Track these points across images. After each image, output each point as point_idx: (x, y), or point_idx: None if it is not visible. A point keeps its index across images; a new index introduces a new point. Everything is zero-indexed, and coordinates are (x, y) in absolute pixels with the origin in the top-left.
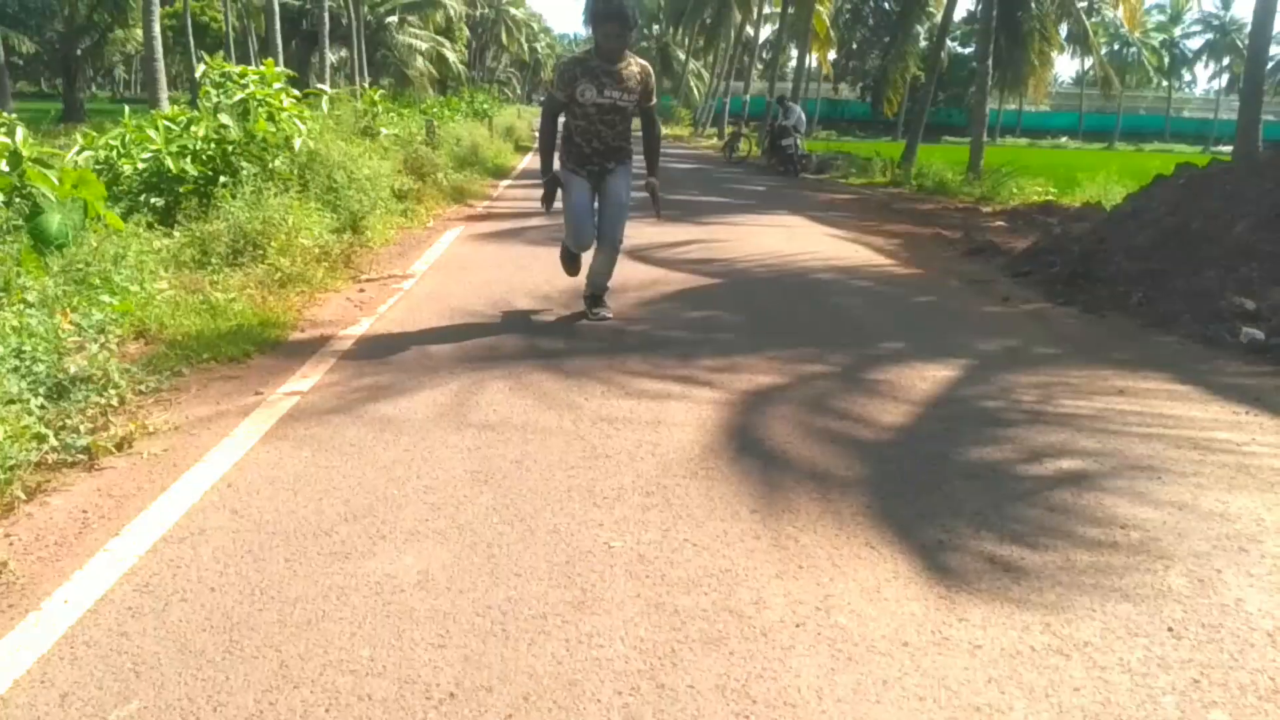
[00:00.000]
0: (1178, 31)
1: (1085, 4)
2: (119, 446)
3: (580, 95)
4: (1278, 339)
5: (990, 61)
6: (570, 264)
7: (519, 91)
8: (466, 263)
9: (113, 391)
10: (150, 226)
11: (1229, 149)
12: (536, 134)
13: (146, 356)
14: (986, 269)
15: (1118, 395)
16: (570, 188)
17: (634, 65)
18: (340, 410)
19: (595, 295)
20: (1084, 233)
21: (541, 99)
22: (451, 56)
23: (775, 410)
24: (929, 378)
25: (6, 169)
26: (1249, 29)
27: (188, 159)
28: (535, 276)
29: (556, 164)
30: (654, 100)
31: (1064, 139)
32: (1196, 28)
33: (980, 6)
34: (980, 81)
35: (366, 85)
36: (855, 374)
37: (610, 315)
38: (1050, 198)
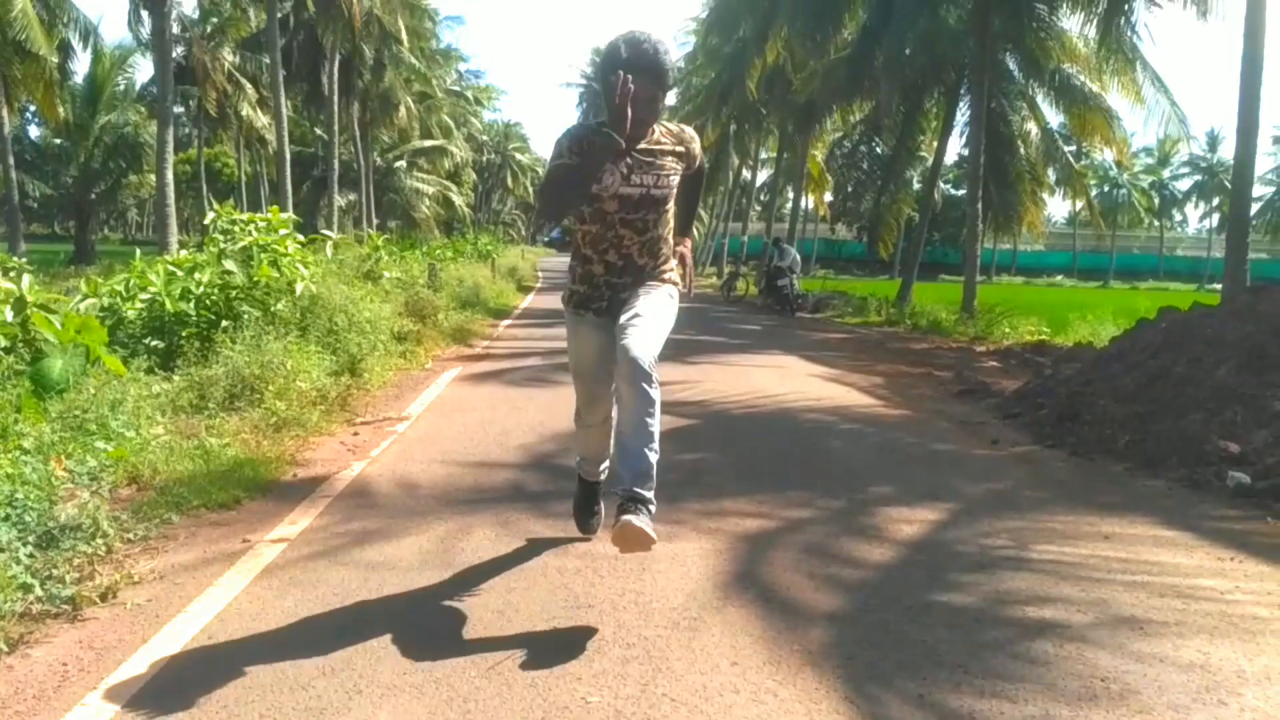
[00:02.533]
0: (1166, 173)
1: (1073, 148)
2: (103, 597)
3: (600, 179)
4: (1264, 482)
5: (980, 205)
6: (584, 511)
7: (523, 232)
8: (462, 404)
9: (100, 541)
10: (151, 371)
11: (1222, 287)
12: (541, 205)
13: (137, 503)
14: (976, 410)
15: (1103, 541)
16: (573, 338)
17: (666, 137)
18: (326, 556)
19: (627, 492)
20: (1073, 374)
21: (546, 239)
22: (457, 200)
23: (762, 556)
24: (915, 522)
25: (11, 315)
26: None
27: (190, 302)
28: (529, 417)
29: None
30: (701, 163)
31: (1059, 277)
32: (1185, 169)
33: (968, 152)
34: (970, 224)
35: (374, 227)
36: (842, 519)
37: (654, 536)
38: (1043, 337)
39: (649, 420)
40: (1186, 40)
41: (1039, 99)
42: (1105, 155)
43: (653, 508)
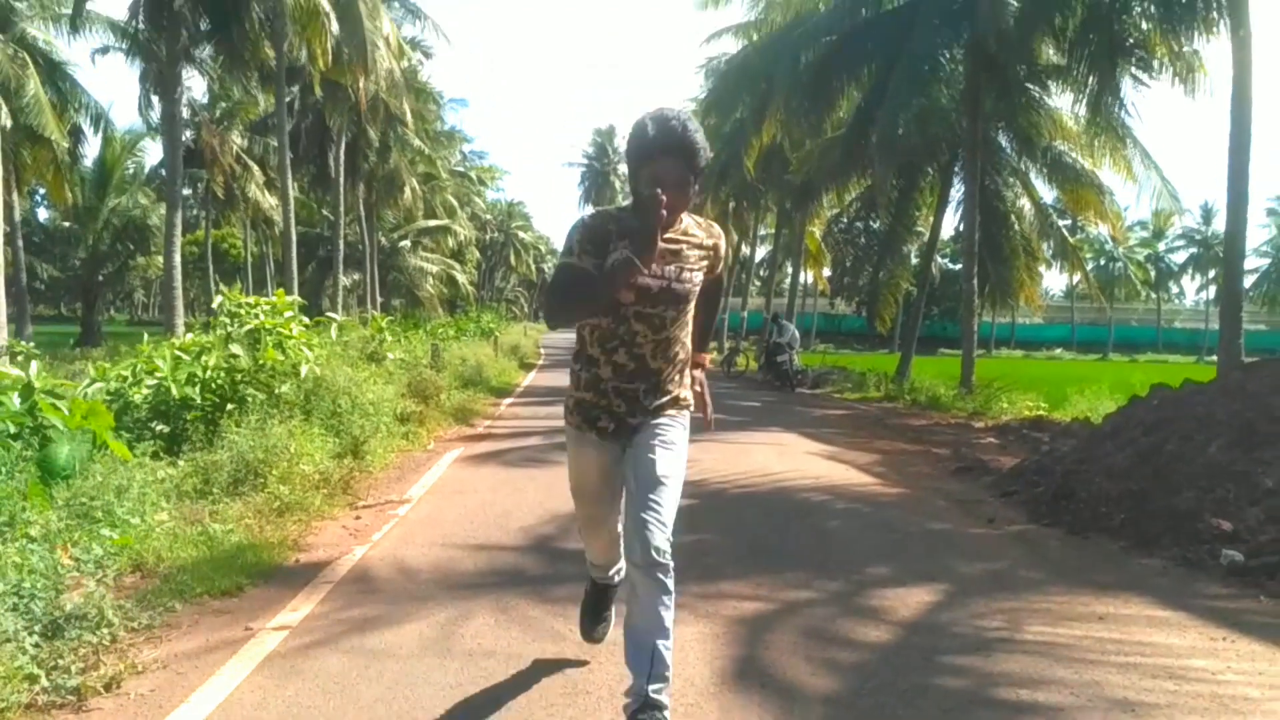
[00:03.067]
0: (1162, 246)
1: (1068, 222)
2: (107, 686)
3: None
4: (1257, 560)
5: (975, 281)
6: (592, 616)
7: (526, 310)
8: (463, 486)
9: (105, 630)
10: (156, 455)
11: (1217, 361)
12: (548, 308)
13: (141, 591)
14: (973, 488)
15: (1097, 621)
16: (574, 457)
17: (696, 229)
18: (327, 643)
19: (642, 697)
20: (1069, 451)
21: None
22: (461, 278)
23: (759, 640)
24: (911, 603)
25: (19, 402)
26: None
27: (195, 386)
28: (529, 498)
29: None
30: (723, 269)
31: (1058, 350)
32: (1180, 242)
33: (963, 229)
34: (966, 300)
35: (379, 306)
36: (840, 600)
37: None
38: (1041, 413)
39: (664, 612)
40: (1180, 114)
41: (1032, 175)
42: (1101, 229)
43: (668, 714)
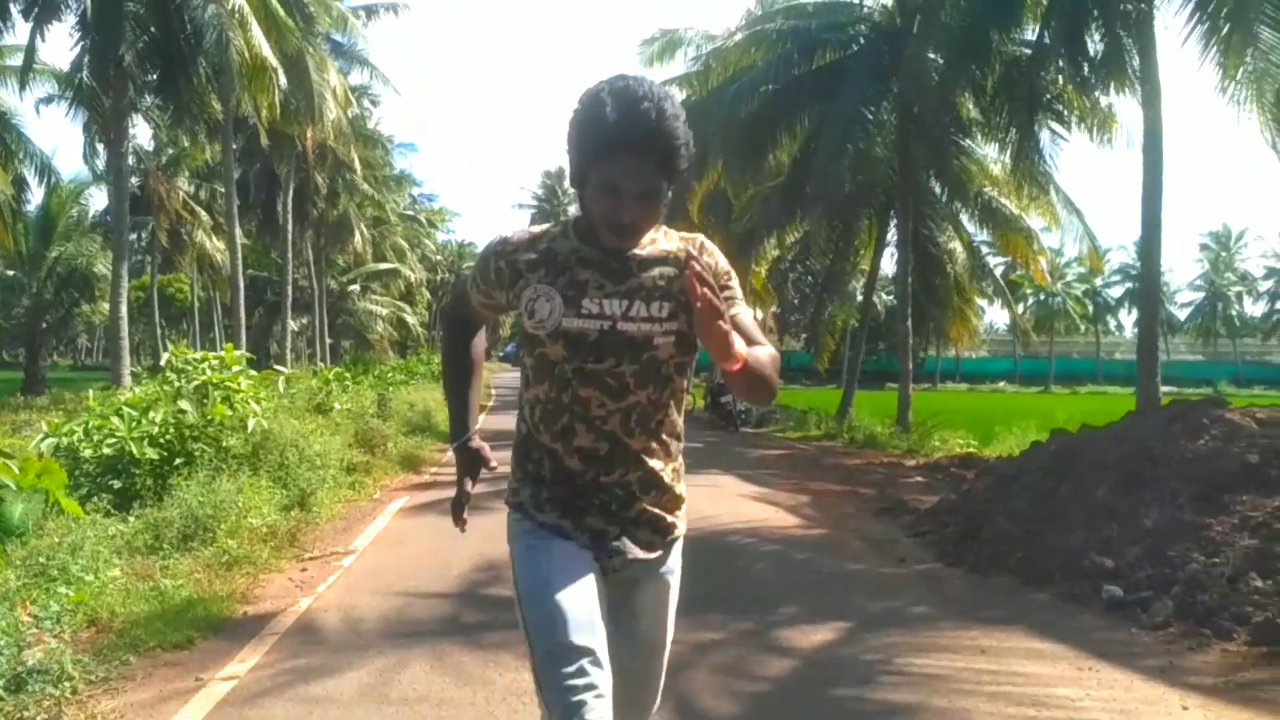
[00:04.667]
0: (1099, 282)
1: (1007, 259)
2: None
3: (532, 311)
4: (1133, 595)
5: (909, 323)
6: None
7: None
8: (406, 535)
9: (66, 684)
10: (108, 513)
11: (1163, 389)
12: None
13: (98, 645)
14: (891, 529)
15: (979, 654)
16: (525, 563)
17: (668, 244)
18: (272, 692)
19: None
20: (979, 492)
21: (501, 354)
22: (411, 320)
23: (672, 677)
24: (815, 640)
25: None
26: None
27: (146, 442)
28: (470, 547)
29: (475, 425)
30: (739, 302)
31: (1002, 384)
32: (1116, 278)
33: (896, 271)
34: (901, 340)
35: (328, 349)
36: (750, 639)
37: None
38: (971, 450)
39: None
40: (1111, 155)
41: (964, 219)
42: (1045, 262)
43: None
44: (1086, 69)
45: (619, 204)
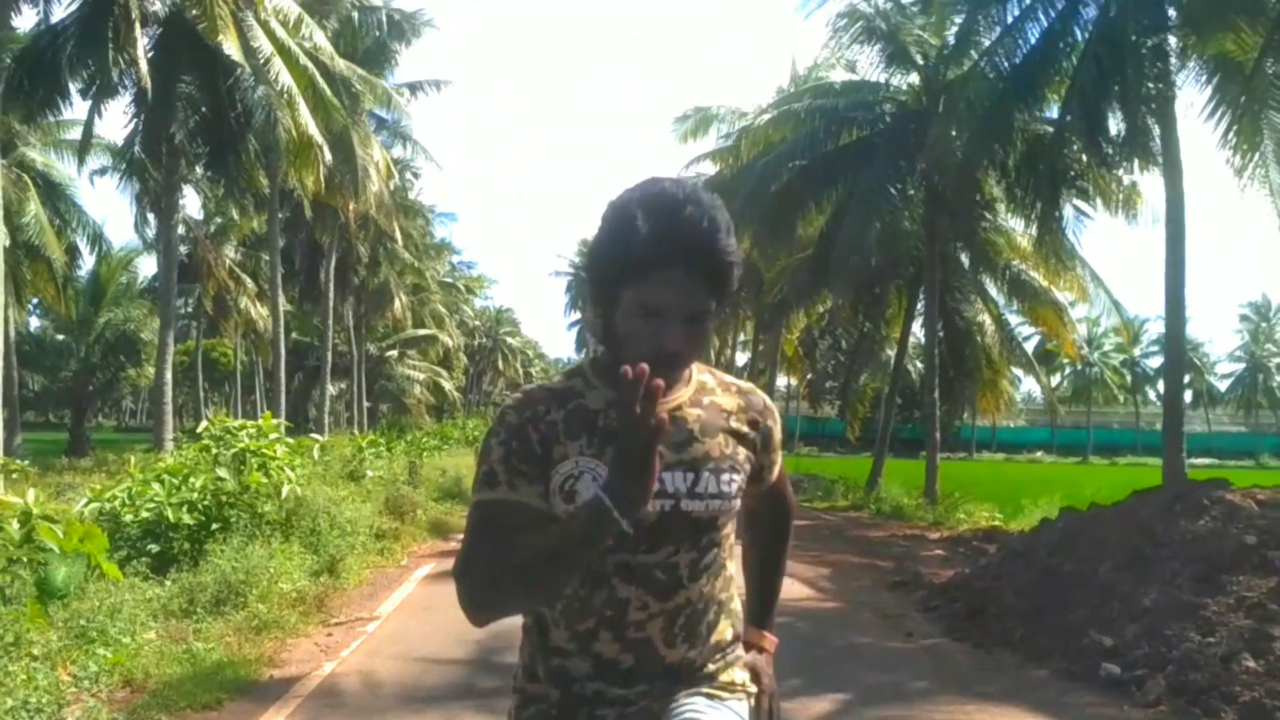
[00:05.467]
0: (1137, 351)
1: (1038, 335)
2: None
3: (572, 494)
4: (1130, 673)
5: (937, 393)
6: None
7: None
8: (431, 602)
9: None
10: (146, 577)
11: (1202, 461)
12: (469, 594)
13: (132, 705)
14: (904, 602)
15: None
16: None
17: (722, 391)
18: None
19: None
20: (987, 568)
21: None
22: (447, 385)
23: None
24: (813, 712)
25: (18, 527)
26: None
27: (184, 508)
28: None
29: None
30: (778, 463)
31: (1039, 453)
32: (1154, 348)
33: (924, 343)
34: (929, 412)
35: (366, 412)
36: None
37: None
38: (996, 523)
39: None
40: (1143, 226)
41: (993, 292)
42: (1078, 334)
43: None
44: (1108, 147)
45: (660, 329)
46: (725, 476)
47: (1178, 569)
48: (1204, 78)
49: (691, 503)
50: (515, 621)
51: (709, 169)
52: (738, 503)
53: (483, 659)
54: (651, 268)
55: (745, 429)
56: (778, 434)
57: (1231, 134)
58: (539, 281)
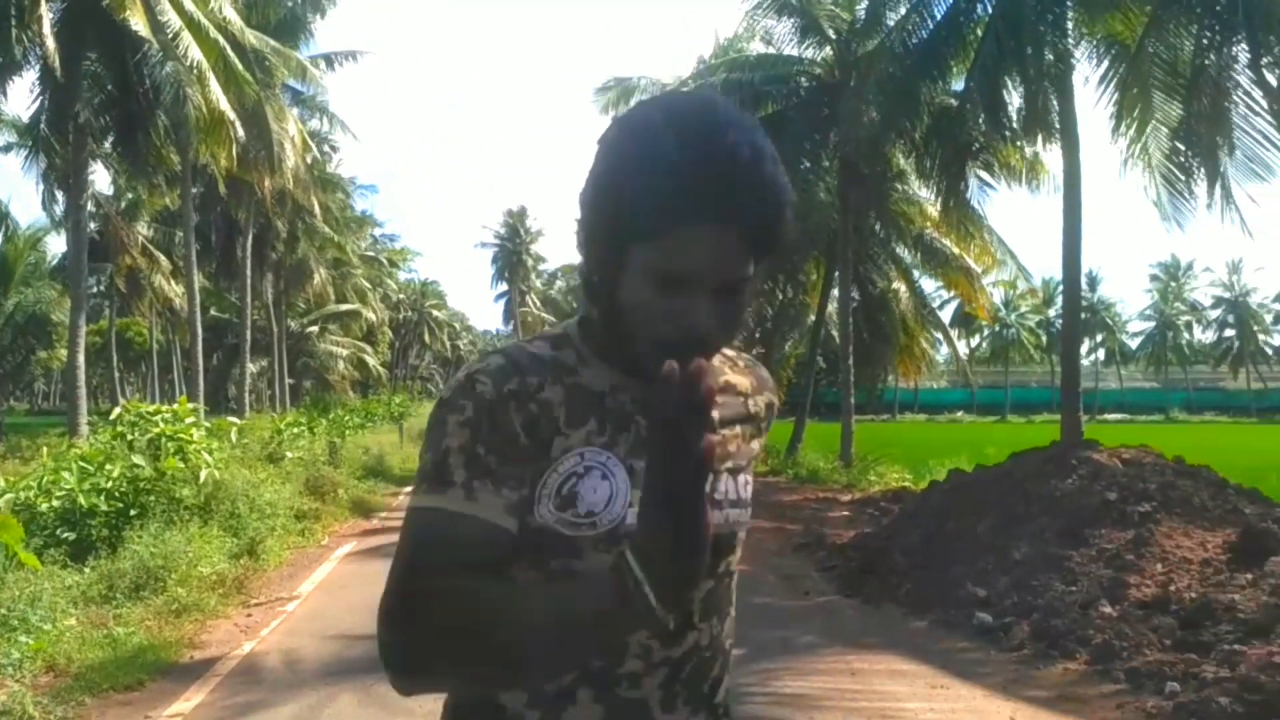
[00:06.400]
0: (1052, 312)
1: (957, 299)
2: None
3: (572, 497)
4: (999, 621)
5: (852, 360)
6: None
7: (441, 386)
8: (349, 581)
9: None
10: (64, 565)
11: (1114, 417)
12: (403, 658)
13: (56, 688)
14: (804, 564)
15: (849, 676)
16: None
17: (733, 372)
18: None
19: None
20: (882, 529)
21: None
22: (371, 361)
23: None
24: None
25: None
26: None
27: (100, 495)
28: None
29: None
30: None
31: (960, 413)
32: None
33: (838, 312)
34: (844, 378)
35: (288, 390)
36: None
37: None
38: (906, 484)
39: None
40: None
41: (908, 260)
42: (995, 297)
43: None
44: (1009, 121)
45: (687, 305)
46: (743, 478)
47: (1046, 525)
48: (1094, 58)
49: (710, 513)
50: None
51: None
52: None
53: None
54: (676, 220)
55: (762, 414)
56: (774, 402)
57: (1117, 109)
58: (465, 253)
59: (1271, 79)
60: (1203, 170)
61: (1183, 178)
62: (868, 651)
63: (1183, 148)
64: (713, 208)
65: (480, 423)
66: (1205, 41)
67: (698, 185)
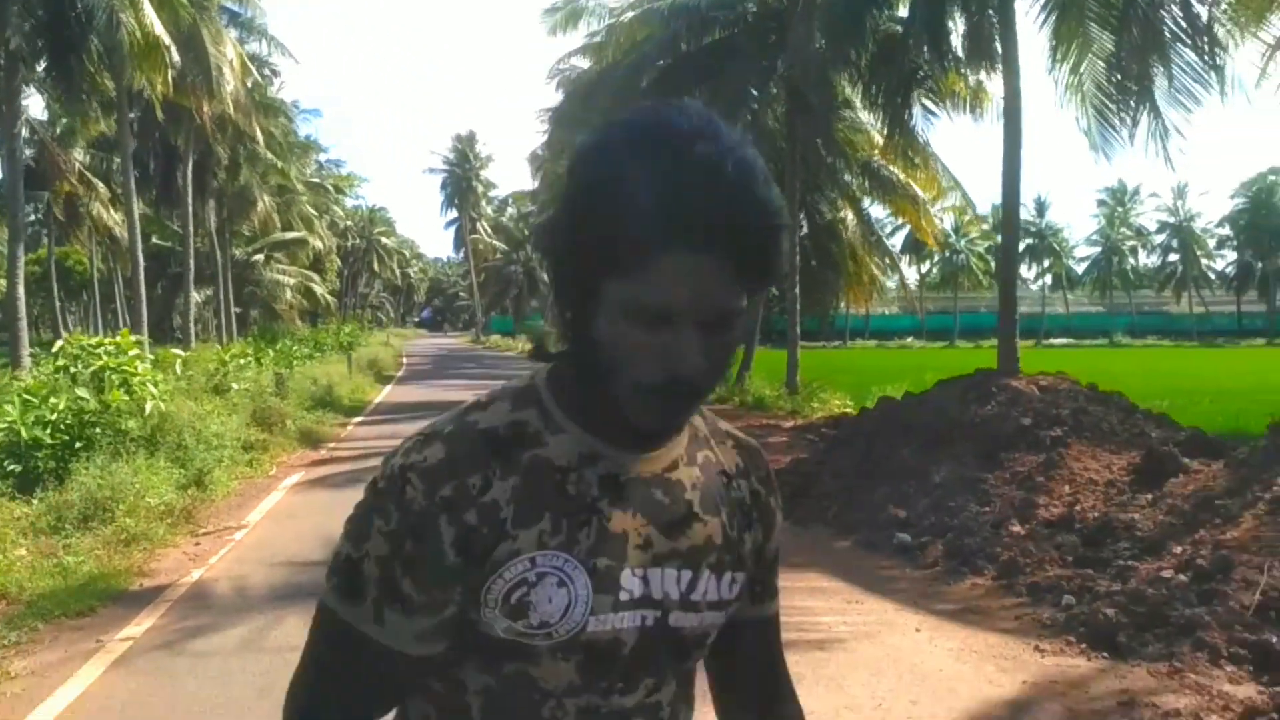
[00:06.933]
0: (1000, 239)
1: (898, 225)
2: None
3: (523, 606)
4: (917, 540)
5: (799, 289)
6: None
7: (392, 315)
8: (296, 511)
9: None
10: (11, 497)
11: (1060, 341)
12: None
13: (9, 615)
14: None
15: None
16: None
17: (718, 444)
18: (163, 648)
19: None
20: (816, 454)
21: (416, 320)
22: (319, 289)
23: None
24: None
25: None
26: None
27: (45, 428)
28: None
29: None
30: (776, 585)
31: (910, 339)
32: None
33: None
34: (790, 305)
35: (235, 319)
36: None
37: None
38: (847, 410)
39: None
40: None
41: (855, 190)
42: (945, 223)
43: None
44: (953, 49)
45: (672, 342)
46: (728, 576)
47: (965, 449)
48: None
49: (684, 616)
50: None
51: (583, 64)
52: (732, 608)
53: None
54: (651, 251)
55: (747, 500)
56: (779, 528)
57: (1054, 40)
58: (413, 179)
59: (1201, 10)
60: (1131, 101)
61: (1113, 108)
62: (792, 570)
63: (1117, 77)
64: (692, 233)
65: (403, 541)
66: None
67: (672, 208)
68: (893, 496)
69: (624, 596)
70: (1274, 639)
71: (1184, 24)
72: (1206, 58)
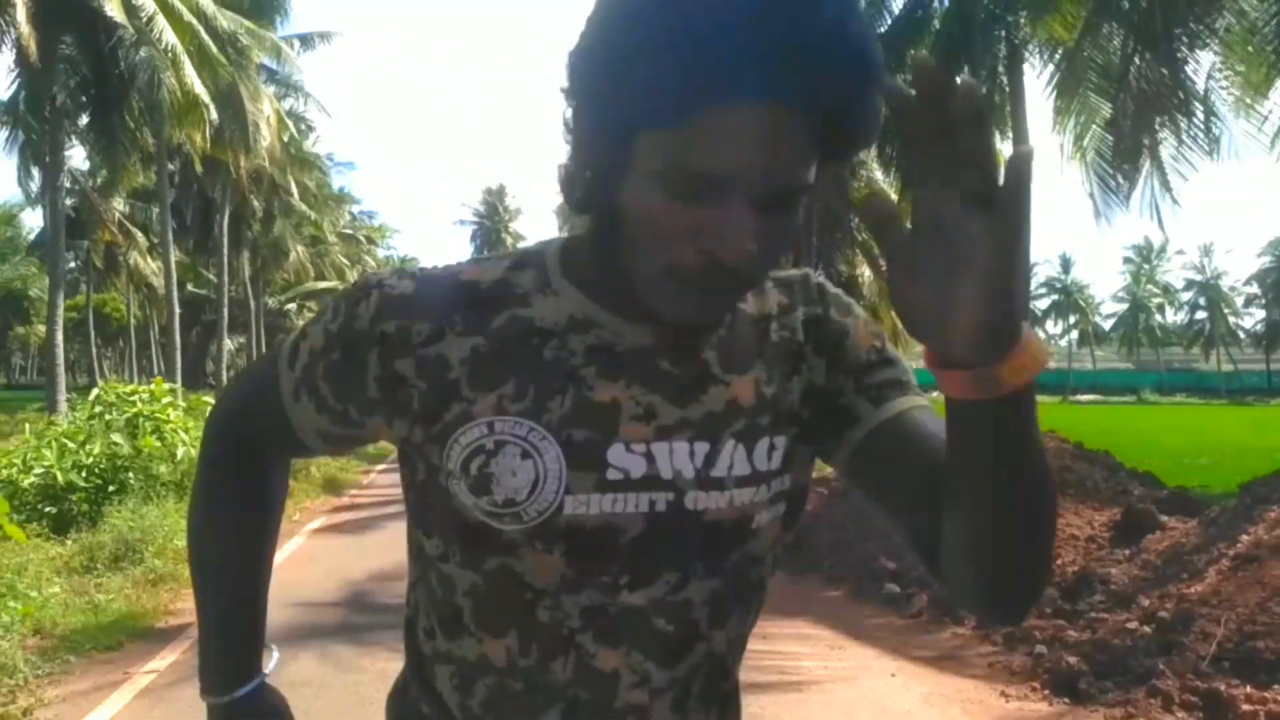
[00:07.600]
0: None
1: None
2: (24, 713)
3: (486, 480)
4: (904, 591)
5: None
6: None
7: None
8: (316, 555)
9: (20, 676)
10: (47, 538)
11: (1086, 398)
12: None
13: (43, 648)
14: None
15: (761, 639)
16: None
17: (762, 300)
18: (184, 681)
19: None
20: (816, 506)
21: None
22: None
23: None
24: None
25: None
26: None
27: (80, 472)
28: (368, 563)
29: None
30: (896, 382)
31: (935, 393)
32: (1043, 290)
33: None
34: None
35: None
36: None
37: None
38: None
39: None
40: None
41: (872, 244)
42: None
43: None
44: None
45: (718, 219)
46: (764, 443)
47: None
48: (1042, 55)
49: (704, 496)
50: (396, 560)
51: None
52: (786, 479)
53: (359, 600)
54: (707, 96)
55: (802, 339)
56: (863, 334)
57: (1056, 108)
58: (444, 230)
59: (1198, 81)
60: (1128, 167)
61: (1113, 174)
62: (782, 618)
63: (1111, 144)
64: (763, 79)
65: (334, 347)
66: (1129, 50)
67: (740, 45)
68: (883, 549)
69: (614, 475)
70: (1223, 687)
71: (1180, 95)
72: (1201, 128)
